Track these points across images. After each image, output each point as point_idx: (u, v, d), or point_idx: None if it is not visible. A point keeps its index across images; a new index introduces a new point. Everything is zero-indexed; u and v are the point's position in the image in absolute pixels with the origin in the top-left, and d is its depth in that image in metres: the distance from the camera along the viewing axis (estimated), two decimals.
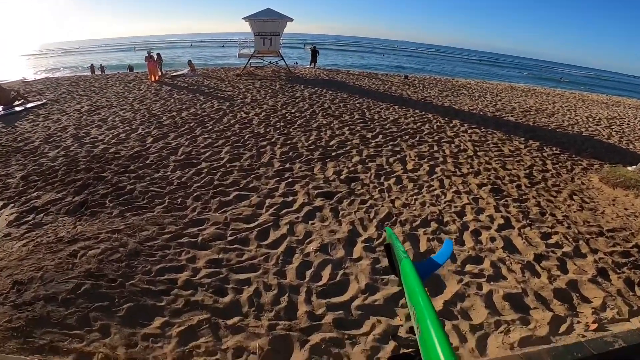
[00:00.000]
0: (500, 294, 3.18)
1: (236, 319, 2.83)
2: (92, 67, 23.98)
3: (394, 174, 5.61)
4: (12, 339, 2.44)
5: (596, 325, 2.77)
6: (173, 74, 15.76)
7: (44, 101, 10.07)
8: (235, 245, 3.70)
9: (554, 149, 7.65)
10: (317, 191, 4.85)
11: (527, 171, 6.26)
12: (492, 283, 3.33)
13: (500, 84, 22.43)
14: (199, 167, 5.41)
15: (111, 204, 4.36)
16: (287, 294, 3.09)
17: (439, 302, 3.07)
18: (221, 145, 6.32)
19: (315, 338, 2.70)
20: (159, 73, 15.09)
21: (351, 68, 27.90)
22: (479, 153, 6.94)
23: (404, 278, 1.28)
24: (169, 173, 5.20)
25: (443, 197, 5.04)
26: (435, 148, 6.95)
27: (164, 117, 7.94)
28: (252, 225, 4.05)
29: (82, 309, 2.72)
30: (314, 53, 20.92)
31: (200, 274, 3.26)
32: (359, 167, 5.79)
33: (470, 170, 6.06)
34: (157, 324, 2.71)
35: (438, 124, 8.70)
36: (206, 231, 3.88)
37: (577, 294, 3.24)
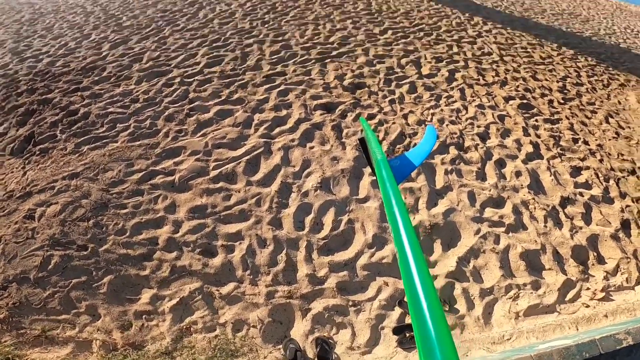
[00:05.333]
0: (518, 250, 2.85)
1: (231, 286, 2.44)
2: None
3: (407, 80, 4.74)
4: (4, 332, 2.17)
5: (603, 294, 2.65)
6: None
7: None
8: (220, 184, 3.09)
9: (589, 59, 6.66)
10: (315, 102, 4.06)
11: (561, 83, 5.42)
12: (511, 235, 2.96)
13: None
14: (169, 75, 4.35)
15: (63, 136, 3.52)
16: (284, 251, 2.66)
17: (451, 260, 2.73)
18: (197, 47, 5.08)
19: (317, 306, 2.38)
20: None
21: None
22: (505, 58, 5.91)
23: (380, 183, 1.15)
24: (132, 86, 4.16)
25: (464, 112, 4.33)
26: (455, 49, 5.86)
27: (124, 18, 6.21)
28: (238, 152, 3.37)
29: (61, 289, 2.33)
30: None
31: (183, 228, 2.74)
32: (366, 69, 4.83)
33: (496, 78, 5.18)
34: (146, 298, 2.34)
35: (457, 20, 7.31)
36: (184, 165, 3.22)
37: (595, 253, 2.98)
